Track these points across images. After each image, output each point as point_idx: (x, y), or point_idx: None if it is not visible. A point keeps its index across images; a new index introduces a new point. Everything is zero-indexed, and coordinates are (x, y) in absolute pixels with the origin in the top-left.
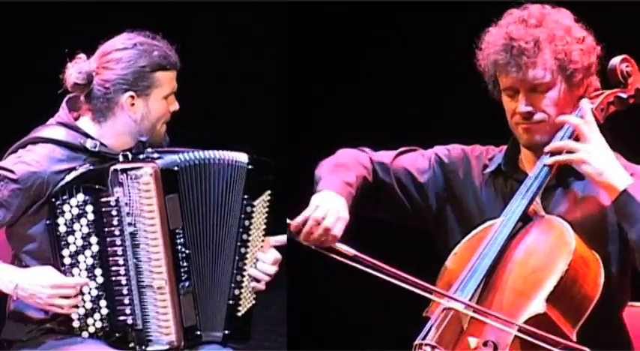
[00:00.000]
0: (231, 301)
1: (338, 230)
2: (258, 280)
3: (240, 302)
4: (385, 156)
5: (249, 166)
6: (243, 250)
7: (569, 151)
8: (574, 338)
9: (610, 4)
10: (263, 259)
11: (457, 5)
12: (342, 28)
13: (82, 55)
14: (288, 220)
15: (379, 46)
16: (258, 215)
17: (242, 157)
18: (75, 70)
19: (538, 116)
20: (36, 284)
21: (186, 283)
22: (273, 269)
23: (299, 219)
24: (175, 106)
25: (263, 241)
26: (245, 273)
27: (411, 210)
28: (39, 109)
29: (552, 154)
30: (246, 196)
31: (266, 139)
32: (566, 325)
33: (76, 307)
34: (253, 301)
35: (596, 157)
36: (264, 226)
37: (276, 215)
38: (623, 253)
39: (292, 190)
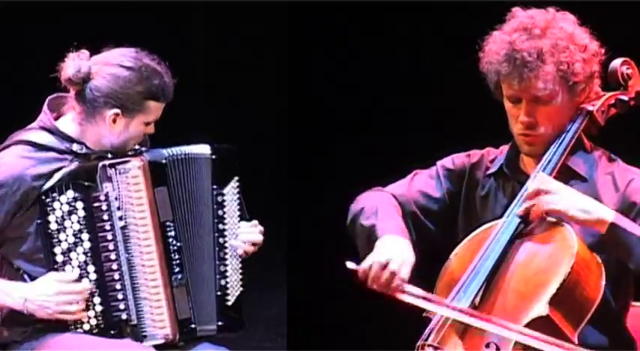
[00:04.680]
0: (219, 292)
1: (405, 273)
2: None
3: (228, 292)
4: (399, 187)
5: (213, 157)
6: (221, 239)
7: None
8: (576, 340)
9: (610, 4)
10: (243, 229)
11: (458, 5)
12: (342, 28)
13: (86, 52)
14: (348, 264)
15: (379, 46)
16: (230, 203)
17: (205, 149)
18: (74, 66)
19: (540, 129)
20: (43, 294)
21: (179, 276)
22: (256, 233)
23: (364, 264)
24: (151, 130)
25: (239, 227)
26: (227, 262)
27: (435, 230)
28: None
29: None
30: (214, 186)
31: (266, 138)
32: (567, 328)
33: (87, 309)
34: (241, 288)
35: (573, 198)
36: (239, 213)
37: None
38: None
39: (292, 189)
